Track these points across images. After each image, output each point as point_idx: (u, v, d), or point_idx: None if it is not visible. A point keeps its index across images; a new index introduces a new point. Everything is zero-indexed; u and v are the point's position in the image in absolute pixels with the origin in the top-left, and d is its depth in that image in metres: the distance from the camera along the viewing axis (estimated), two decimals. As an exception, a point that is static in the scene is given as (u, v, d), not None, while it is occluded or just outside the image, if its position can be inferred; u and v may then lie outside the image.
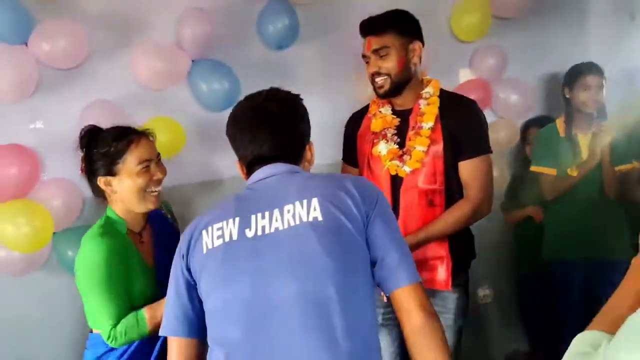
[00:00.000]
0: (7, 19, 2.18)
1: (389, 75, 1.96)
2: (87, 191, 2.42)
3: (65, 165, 2.39)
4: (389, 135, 2.01)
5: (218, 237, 1.27)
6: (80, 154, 1.84)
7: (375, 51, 1.95)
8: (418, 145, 1.96)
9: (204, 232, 1.30)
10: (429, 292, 1.97)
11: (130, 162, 1.74)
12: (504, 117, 3.04)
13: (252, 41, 2.57)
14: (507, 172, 3.10)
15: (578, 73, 2.75)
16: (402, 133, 2.01)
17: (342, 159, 2.20)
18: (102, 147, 1.76)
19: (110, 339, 1.67)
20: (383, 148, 2.00)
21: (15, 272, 2.33)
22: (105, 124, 2.32)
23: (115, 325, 1.66)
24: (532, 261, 3.02)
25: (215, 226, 1.29)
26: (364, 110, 2.13)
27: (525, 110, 3.05)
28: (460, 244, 2.07)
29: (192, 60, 2.44)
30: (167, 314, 1.34)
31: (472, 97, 2.88)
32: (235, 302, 1.23)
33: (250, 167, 1.39)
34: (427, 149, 1.95)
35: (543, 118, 3.05)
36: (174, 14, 2.42)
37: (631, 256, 1.05)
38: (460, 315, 2.09)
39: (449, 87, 2.89)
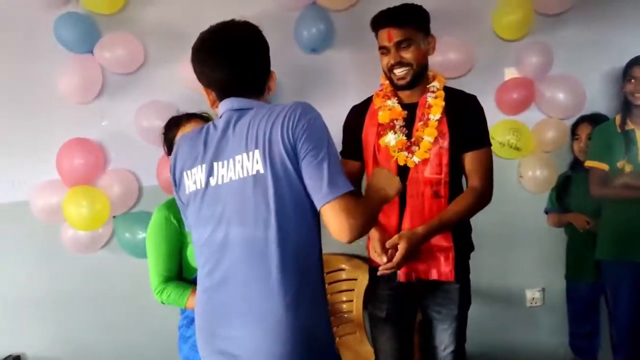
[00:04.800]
0: (76, 32, 2.59)
1: (411, 66, 2.00)
2: (145, 180, 2.79)
3: (125, 157, 2.77)
4: (397, 126, 2.05)
5: (194, 183, 1.50)
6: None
7: (398, 43, 1.99)
8: (426, 136, 2.00)
9: (184, 174, 1.53)
10: (432, 284, 2.07)
11: None
12: (551, 116, 2.96)
13: (290, 46, 2.78)
14: (556, 173, 3.00)
15: (628, 65, 2.67)
16: (409, 125, 2.05)
17: (341, 153, 2.12)
18: (165, 133, 2.01)
19: (157, 294, 1.90)
20: (391, 139, 2.04)
21: (80, 250, 2.70)
22: (157, 120, 2.68)
23: (163, 282, 1.88)
24: (582, 266, 2.90)
25: (192, 171, 1.51)
26: (366, 104, 2.18)
27: (574, 108, 2.94)
28: (462, 235, 2.09)
29: (234, 64, 2.70)
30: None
31: (514, 95, 2.91)
32: (204, 242, 1.50)
33: (218, 96, 1.54)
34: (434, 141, 2.00)
35: (596, 115, 2.93)
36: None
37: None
38: (464, 305, 2.12)
39: (493, 87, 2.94)
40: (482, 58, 2.91)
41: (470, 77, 2.90)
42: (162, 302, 1.89)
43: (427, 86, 2.07)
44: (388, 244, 1.91)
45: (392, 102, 2.08)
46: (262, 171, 1.40)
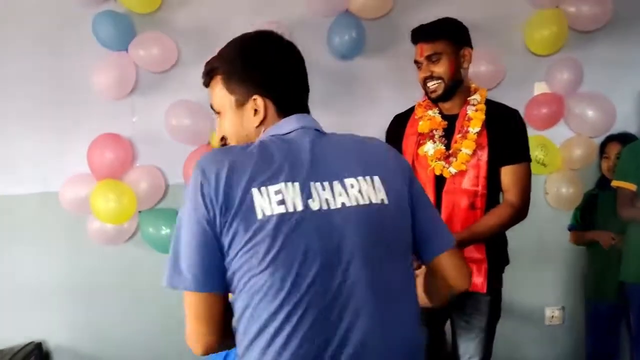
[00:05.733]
0: (113, 30, 2.65)
1: (441, 79, 2.03)
2: (171, 178, 2.84)
3: (153, 154, 2.82)
4: (436, 136, 2.09)
5: (279, 203, 1.09)
6: None
7: (428, 57, 2.04)
8: (464, 148, 2.02)
9: (255, 191, 1.09)
10: (463, 294, 2.06)
11: None
12: (580, 133, 2.94)
13: (322, 51, 2.81)
14: (582, 191, 2.98)
15: None
16: (448, 136, 2.08)
17: None
18: None
19: None
20: (430, 148, 2.08)
21: (105, 242, 2.76)
22: (186, 119, 2.73)
23: None
24: (603, 287, 2.86)
25: (272, 188, 1.10)
26: (409, 112, 2.22)
27: (603, 126, 2.91)
28: (496, 248, 2.10)
29: (265, 68, 2.73)
30: (192, 265, 1.09)
31: (543, 111, 2.89)
32: (293, 284, 1.08)
33: (281, 109, 1.22)
34: (473, 153, 2.02)
35: (626, 135, 2.89)
36: (252, 27, 2.72)
37: None
38: (493, 318, 2.12)
39: (522, 101, 2.93)
40: (512, 72, 2.91)
41: (500, 91, 2.89)
42: None
43: (468, 99, 2.09)
44: None
45: (433, 113, 2.13)
46: (386, 202, 1.18)
